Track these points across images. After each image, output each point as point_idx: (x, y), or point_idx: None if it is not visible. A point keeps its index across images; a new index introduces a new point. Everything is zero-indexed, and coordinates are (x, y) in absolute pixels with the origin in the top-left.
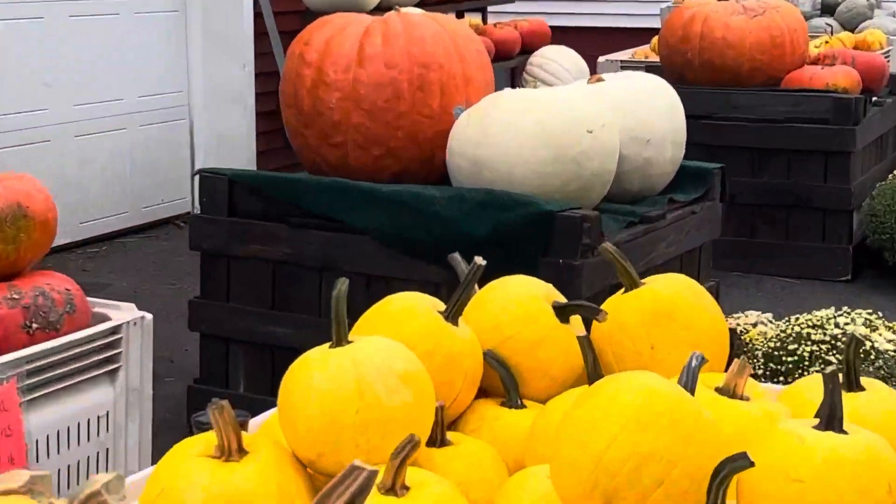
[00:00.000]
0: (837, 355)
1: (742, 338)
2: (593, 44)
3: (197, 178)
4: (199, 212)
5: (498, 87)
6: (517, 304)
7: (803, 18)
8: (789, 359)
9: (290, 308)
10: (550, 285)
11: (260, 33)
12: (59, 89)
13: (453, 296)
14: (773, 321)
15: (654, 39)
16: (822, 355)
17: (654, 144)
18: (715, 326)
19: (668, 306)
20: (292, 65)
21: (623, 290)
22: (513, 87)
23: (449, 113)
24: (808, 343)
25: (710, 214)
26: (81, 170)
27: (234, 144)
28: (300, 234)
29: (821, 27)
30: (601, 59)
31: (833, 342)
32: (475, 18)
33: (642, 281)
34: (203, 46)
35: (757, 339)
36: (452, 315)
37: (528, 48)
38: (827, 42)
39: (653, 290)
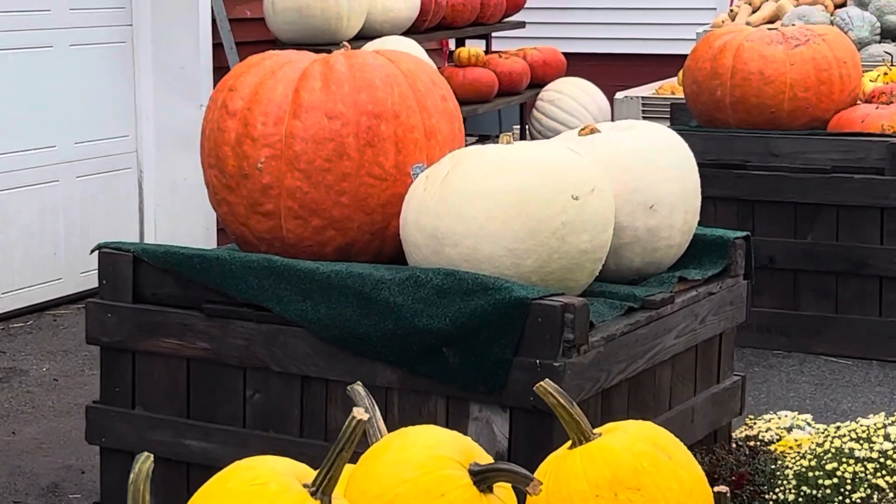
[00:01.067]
0: (887, 477)
1: (771, 448)
2: (615, 74)
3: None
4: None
5: (506, 126)
6: (419, 469)
7: (855, 49)
8: (827, 482)
9: (209, 416)
10: (469, 439)
11: (219, 67)
12: None
13: (324, 461)
14: (813, 424)
15: (681, 72)
16: (868, 477)
17: (659, 211)
18: (694, 497)
19: (630, 473)
20: (213, 115)
21: (570, 443)
22: (522, 127)
23: (406, 173)
24: (851, 462)
25: (731, 295)
26: (3, 230)
27: (190, 196)
28: (221, 325)
29: (879, 56)
30: (619, 95)
31: (882, 460)
32: (477, 47)
33: (596, 432)
34: (154, 83)
35: (789, 455)
36: (323, 489)
37: (538, 81)
38: (886, 74)
39: (609, 449)
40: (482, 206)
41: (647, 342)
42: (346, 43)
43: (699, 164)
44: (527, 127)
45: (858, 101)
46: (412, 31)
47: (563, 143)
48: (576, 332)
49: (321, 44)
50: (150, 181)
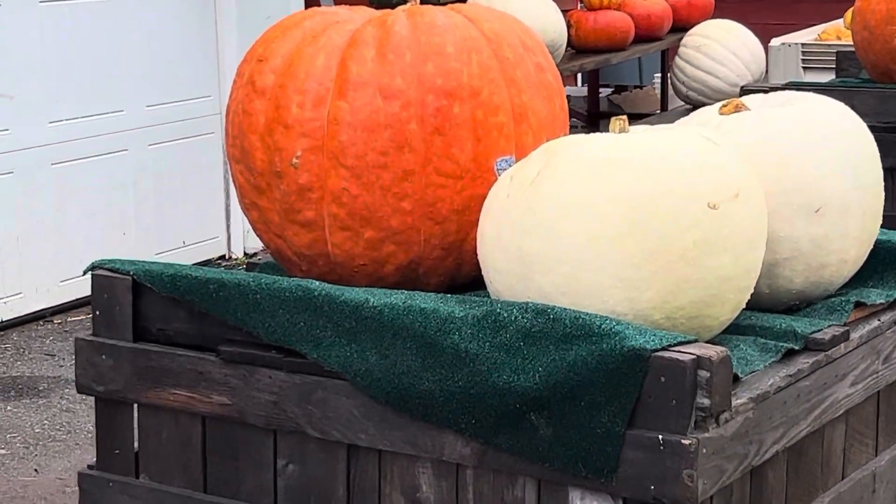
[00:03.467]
0: None
1: None
2: (769, 13)
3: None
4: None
5: (647, 76)
6: None
7: None
8: None
9: (232, 491)
10: None
11: None
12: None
13: None
14: None
15: (848, 13)
16: None
17: (828, 215)
18: None
19: None
20: (238, 94)
21: None
22: (663, 76)
23: (488, 170)
24: None
25: None
26: (62, 208)
27: None
28: (243, 374)
29: None
30: (774, 42)
31: None
32: None
33: None
34: (238, 37)
35: None
36: None
37: (682, 24)
38: None
39: None
40: (583, 220)
41: (814, 396)
42: None
43: (871, 128)
44: (668, 76)
45: None
46: None
47: (697, 127)
48: (713, 396)
49: None
50: None
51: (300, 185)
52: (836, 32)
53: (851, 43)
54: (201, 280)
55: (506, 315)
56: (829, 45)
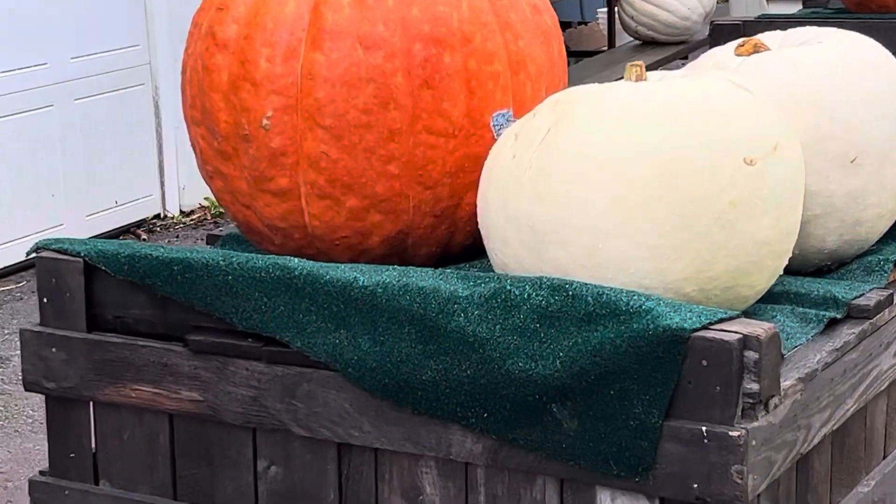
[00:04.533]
0: None
1: None
2: None
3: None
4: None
5: (589, 13)
6: None
7: None
8: None
9: (206, 497)
10: None
11: None
12: None
13: None
14: None
15: None
16: None
17: (865, 165)
18: None
19: None
20: (196, 48)
21: None
22: (610, 13)
23: (484, 126)
24: None
25: None
26: None
27: None
28: (216, 366)
29: None
30: None
31: None
32: None
33: None
34: None
35: None
36: None
37: None
38: None
39: None
40: (605, 183)
41: (859, 370)
42: None
43: None
44: (616, 12)
45: None
46: None
47: (716, 71)
48: (762, 380)
49: None
50: (169, 100)
51: (272, 150)
52: None
53: None
54: (163, 261)
55: (517, 293)
56: None
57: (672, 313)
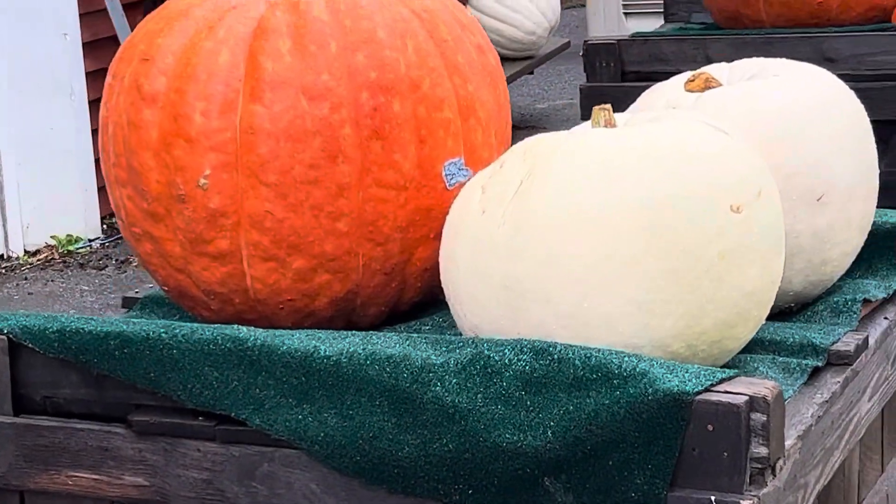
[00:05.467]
0: None
1: None
2: None
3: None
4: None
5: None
6: None
7: None
8: None
9: None
10: None
11: None
12: None
13: None
14: None
15: None
16: None
17: (831, 203)
18: None
19: None
20: (119, 102)
21: None
22: None
23: (435, 176)
24: None
25: None
26: None
27: (55, 152)
28: (164, 448)
29: None
30: None
31: None
32: None
33: None
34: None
35: None
36: None
37: None
38: None
39: None
40: (589, 237)
41: (843, 419)
42: None
43: None
44: None
45: None
46: None
47: (681, 112)
48: (771, 443)
49: None
50: (6, 134)
51: (211, 211)
52: None
53: None
54: (98, 335)
55: (497, 358)
56: None
57: (668, 375)
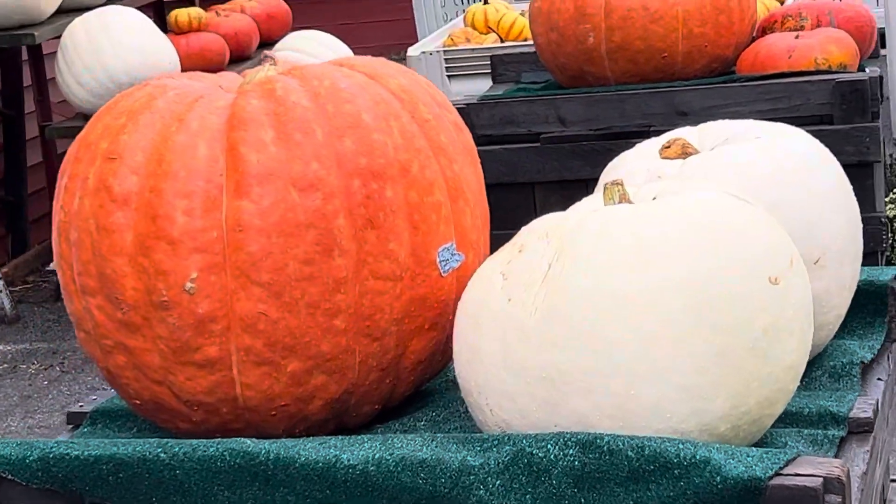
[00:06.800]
0: None
1: None
2: (340, 12)
3: None
4: None
5: None
6: None
7: None
8: None
9: None
10: None
11: None
12: None
13: None
14: None
15: (475, 11)
16: None
17: (828, 266)
18: None
19: None
20: (82, 207)
21: None
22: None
23: (429, 264)
24: None
25: None
26: None
27: None
28: None
29: None
30: (412, 51)
31: None
32: (195, 8)
33: None
34: None
35: None
36: None
37: (265, 40)
38: None
39: None
40: (636, 320)
41: (868, 488)
42: (267, 53)
43: (582, 137)
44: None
45: (762, 30)
46: None
47: (662, 179)
48: None
49: (11, 28)
50: None
51: (199, 316)
52: (464, 35)
53: (492, 46)
54: (86, 460)
55: (542, 455)
56: (483, 50)
57: (731, 461)
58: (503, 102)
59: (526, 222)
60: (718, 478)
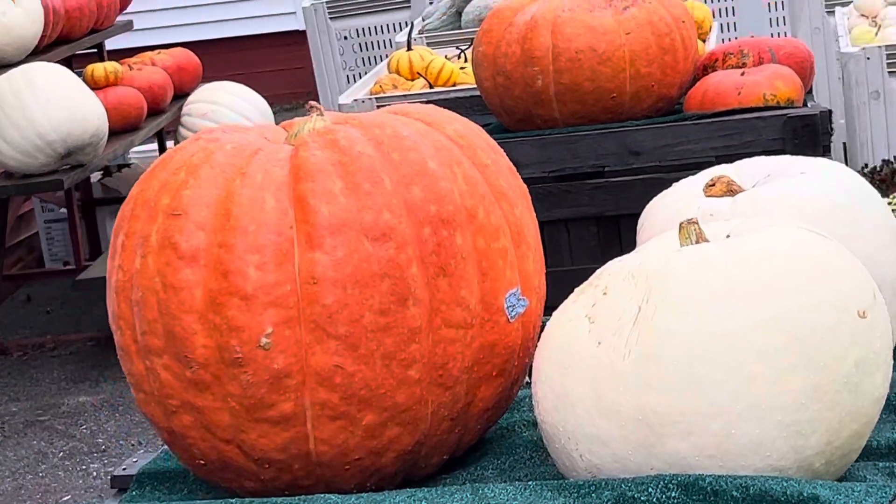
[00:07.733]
0: None
1: None
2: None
3: None
4: None
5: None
6: None
7: (684, 2)
8: None
9: None
10: None
11: None
12: None
13: None
14: None
15: (399, 58)
16: None
17: (885, 299)
18: None
19: None
20: (145, 265)
21: None
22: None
23: (497, 310)
24: None
25: None
26: None
27: None
28: None
29: None
30: (343, 100)
31: None
32: (110, 62)
33: None
34: None
35: None
36: None
37: (177, 92)
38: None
39: None
40: (735, 359)
41: None
42: (313, 103)
43: (535, 179)
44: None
45: (704, 69)
46: (35, 54)
47: (722, 221)
48: None
49: None
50: None
51: (274, 372)
52: (391, 81)
53: (427, 91)
54: None
55: (644, 499)
56: (412, 96)
57: (838, 497)
58: None
59: None
60: None
